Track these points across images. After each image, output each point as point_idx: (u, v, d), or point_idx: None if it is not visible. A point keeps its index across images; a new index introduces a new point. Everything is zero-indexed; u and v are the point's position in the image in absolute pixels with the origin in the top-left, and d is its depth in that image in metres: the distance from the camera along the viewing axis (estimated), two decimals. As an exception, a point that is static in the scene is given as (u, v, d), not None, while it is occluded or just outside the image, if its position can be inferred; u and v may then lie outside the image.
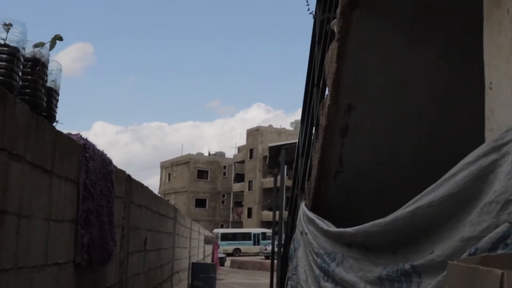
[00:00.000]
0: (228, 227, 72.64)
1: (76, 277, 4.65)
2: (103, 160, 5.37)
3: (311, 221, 4.96)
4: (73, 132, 4.88)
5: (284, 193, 14.01)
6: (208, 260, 30.68)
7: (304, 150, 6.32)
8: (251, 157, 72.59)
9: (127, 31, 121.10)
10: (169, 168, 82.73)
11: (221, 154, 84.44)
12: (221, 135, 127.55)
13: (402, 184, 4.30)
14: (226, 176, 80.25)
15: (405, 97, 4.20)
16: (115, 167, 5.81)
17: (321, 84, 5.45)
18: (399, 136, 4.44)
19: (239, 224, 73.01)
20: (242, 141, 78.82)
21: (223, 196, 79.51)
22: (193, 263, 19.23)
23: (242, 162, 76.24)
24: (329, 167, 4.80)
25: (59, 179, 4.11)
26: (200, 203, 77.72)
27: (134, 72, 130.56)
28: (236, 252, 57.16)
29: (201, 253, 27.43)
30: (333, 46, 4.06)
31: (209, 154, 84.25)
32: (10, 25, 3.29)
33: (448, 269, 2.18)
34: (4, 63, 3.20)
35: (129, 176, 6.96)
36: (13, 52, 3.28)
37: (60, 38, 3.70)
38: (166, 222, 11.43)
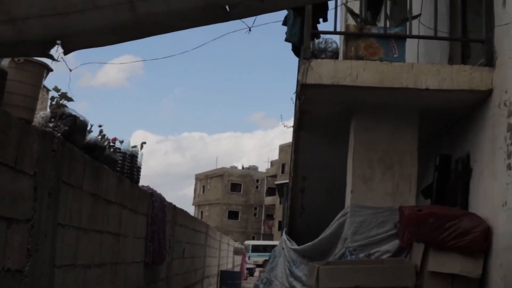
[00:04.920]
0: (259, 239, 75.02)
1: (145, 271, 7.97)
2: (161, 199, 8.74)
3: (285, 242, 8.28)
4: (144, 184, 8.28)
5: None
6: (238, 269, 33.79)
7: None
8: (282, 171, 74.96)
9: (177, 46, 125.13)
10: (203, 180, 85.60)
11: (254, 168, 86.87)
12: (260, 148, 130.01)
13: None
14: (259, 189, 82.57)
15: (334, 172, 7.48)
16: (167, 202, 9.18)
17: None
18: (334, 192, 7.70)
19: (269, 237, 75.37)
20: (276, 155, 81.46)
21: (255, 209, 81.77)
22: (221, 270, 22.48)
23: (274, 176, 78.78)
24: (296, 210, 8.12)
25: (139, 215, 7.47)
26: (233, 215, 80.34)
27: (179, 84, 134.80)
28: (266, 263, 59.41)
29: (230, 262, 30.69)
30: (292, 146, 7.42)
31: (243, 168, 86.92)
32: (122, 141, 6.69)
33: (308, 267, 5.52)
34: (120, 162, 6.59)
35: (174, 206, 10.33)
36: (124, 156, 6.68)
37: (145, 143, 7.14)
38: (199, 236, 14.82)
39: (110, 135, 6.42)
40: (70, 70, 2.66)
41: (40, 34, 2.47)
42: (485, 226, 5.40)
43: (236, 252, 33.96)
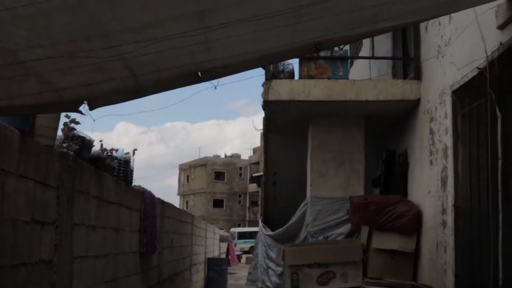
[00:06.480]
0: (245, 226, 75.61)
1: (140, 260, 9.14)
2: (151, 196, 9.92)
3: (261, 228, 9.54)
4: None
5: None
6: (224, 256, 34.80)
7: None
8: (265, 158, 75.31)
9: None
10: (187, 170, 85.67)
11: (237, 156, 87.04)
12: (243, 135, 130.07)
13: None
14: (242, 177, 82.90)
15: (298, 168, 8.75)
16: (156, 198, 10.36)
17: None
18: (300, 184, 8.99)
19: (255, 223, 75.74)
20: (258, 142, 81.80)
21: (240, 196, 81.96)
22: (208, 258, 23.63)
23: (257, 163, 79.11)
24: (269, 200, 9.40)
25: (134, 211, 8.65)
26: (218, 203, 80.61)
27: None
28: (252, 249, 60.25)
29: (217, 250, 31.83)
30: (262, 145, 8.68)
31: (225, 156, 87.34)
32: (117, 150, 7.87)
33: (276, 249, 6.78)
34: (116, 166, 7.76)
35: (163, 201, 11.50)
36: (119, 162, 7.86)
37: (136, 149, 8.32)
38: (186, 226, 15.99)
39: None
40: (94, 120, 3.81)
41: (73, 97, 3.64)
42: (416, 210, 6.72)
43: (222, 240, 35.16)
